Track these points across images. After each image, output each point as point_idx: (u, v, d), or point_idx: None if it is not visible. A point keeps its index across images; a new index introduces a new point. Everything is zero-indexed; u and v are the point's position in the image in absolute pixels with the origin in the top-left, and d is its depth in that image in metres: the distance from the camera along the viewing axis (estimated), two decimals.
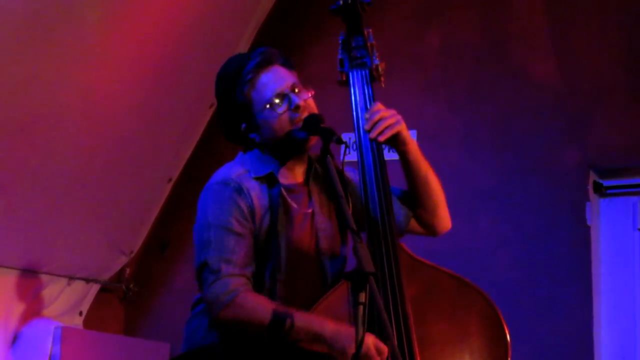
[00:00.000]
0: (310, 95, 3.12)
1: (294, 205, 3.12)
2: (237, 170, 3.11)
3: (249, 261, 3.01)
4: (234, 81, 3.11)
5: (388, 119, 3.05)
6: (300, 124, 3.05)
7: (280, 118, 3.06)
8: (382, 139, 3.04)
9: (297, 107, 3.06)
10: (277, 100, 3.06)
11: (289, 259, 3.07)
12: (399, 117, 3.07)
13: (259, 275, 3.05)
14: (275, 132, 3.08)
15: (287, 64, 3.17)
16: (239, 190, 3.04)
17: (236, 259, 2.98)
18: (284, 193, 3.10)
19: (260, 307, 2.92)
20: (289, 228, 3.09)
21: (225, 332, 3.00)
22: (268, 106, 3.07)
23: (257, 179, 3.09)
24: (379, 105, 3.10)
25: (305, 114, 3.06)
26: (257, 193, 3.06)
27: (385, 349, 2.83)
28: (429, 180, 3.18)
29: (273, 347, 2.92)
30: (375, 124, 3.04)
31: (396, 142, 3.09)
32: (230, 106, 3.13)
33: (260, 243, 3.04)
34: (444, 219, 3.26)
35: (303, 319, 2.90)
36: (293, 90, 3.09)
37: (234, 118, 3.14)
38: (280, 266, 3.05)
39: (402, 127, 3.07)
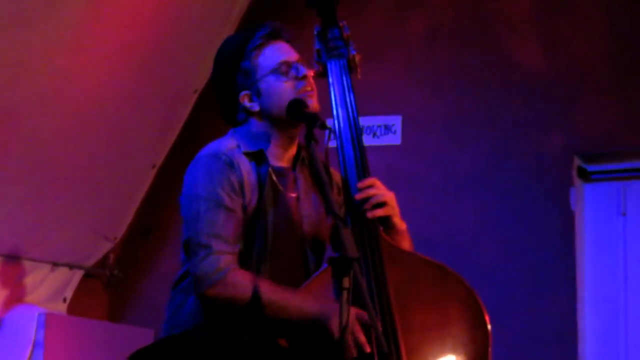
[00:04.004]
0: (312, 73, 3.13)
1: (281, 187, 3.11)
2: (228, 144, 3.10)
3: (237, 238, 2.99)
4: (240, 47, 3.10)
5: (379, 197, 3.05)
6: (304, 94, 3.05)
7: (285, 85, 3.06)
8: (370, 216, 3.03)
9: (305, 77, 3.07)
10: (283, 68, 3.07)
11: (274, 239, 3.06)
12: (392, 200, 3.07)
13: (246, 253, 3.02)
14: (278, 99, 3.07)
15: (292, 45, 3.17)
16: (230, 164, 3.02)
17: (226, 235, 2.95)
18: (272, 174, 3.09)
19: (250, 285, 2.89)
20: (275, 209, 3.08)
21: (210, 309, 2.97)
22: (274, 72, 3.07)
23: (247, 154, 3.07)
24: (373, 180, 3.08)
25: (309, 88, 3.07)
26: (247, 169, 3.05)
27: (366, 318, 2.79)
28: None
29: (257, 330, 2.91)
30: (368, 198, 3.04)
31: (386, 223, 3.08)
32: (232, 73, 3.11)
33: (248, 220, 3.02)
34: None
35: (293, 297, 2.90)
36: (299, 62, 3.10)
37: (233, 86, 3.11)
38: (266, 245, 3.04)
39: (394, 213, 3.07)
